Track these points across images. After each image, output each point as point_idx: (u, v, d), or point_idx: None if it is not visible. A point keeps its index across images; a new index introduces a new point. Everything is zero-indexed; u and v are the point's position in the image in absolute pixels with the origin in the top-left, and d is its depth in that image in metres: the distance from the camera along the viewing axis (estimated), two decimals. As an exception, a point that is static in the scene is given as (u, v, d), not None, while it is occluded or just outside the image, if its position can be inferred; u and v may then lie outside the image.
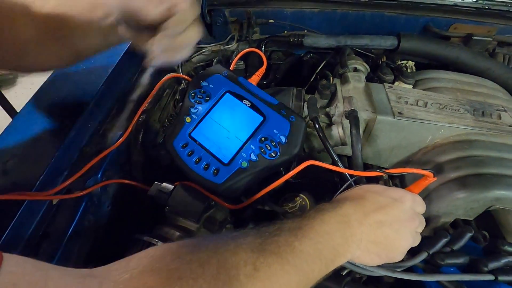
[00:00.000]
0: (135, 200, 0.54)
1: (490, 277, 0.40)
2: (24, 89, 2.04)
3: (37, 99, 0.54)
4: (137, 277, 0.25)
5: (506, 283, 0.40)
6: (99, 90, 0.56)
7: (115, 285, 0.24)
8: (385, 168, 0.59)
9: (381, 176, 0.55)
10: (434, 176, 0.42)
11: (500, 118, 0.57)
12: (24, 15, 0.35)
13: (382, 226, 0.38)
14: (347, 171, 0.45)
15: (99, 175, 0.49)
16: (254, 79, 0.57)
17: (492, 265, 0.40)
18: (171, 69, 0.71)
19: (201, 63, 0.82)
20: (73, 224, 0.45)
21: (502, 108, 0.59)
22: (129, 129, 0.54)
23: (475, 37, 0.75)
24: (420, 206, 0.43)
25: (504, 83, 0.70)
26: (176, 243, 0.30)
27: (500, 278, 0.40)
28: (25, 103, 0.54)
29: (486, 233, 0.52)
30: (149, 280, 0.25)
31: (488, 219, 0.57)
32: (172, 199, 0.47)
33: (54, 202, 0.45)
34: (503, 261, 0.41)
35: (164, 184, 0.50)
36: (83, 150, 0.51)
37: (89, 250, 0.49)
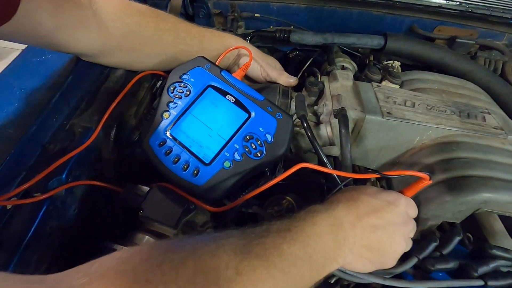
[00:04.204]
0: (106, 203, 0.49)
1: (480, 283, 0.39)
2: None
3: (-7, 89, 0.48)
4: (97, 281, 0.21)
5: (495, 288, 0.40)
6: (67, 80, 0.50)
7: None
8: (380, 170, 0.57)
9: (368, 178, 0.53)
10: (430, 179, 0.40)
11: (484, 120, 0.57)
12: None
13: (376, 230, 0.36)
14: (342, 174, 0.43)
15: (63, 176, 0.44)
16: (239, 74, 0.54)
17: (482, 269, 0.40)
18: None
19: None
20: (31, 231, 0.40)
21: (486, 110, 0.59)
22: (100, 124, 0.49)
23: (458, 40, 0.75)
24: (413, 210, 0.41)
25: (485, 85, 0.71)
26: (148, 244, 0.27)
27: (490, 283, 0.39)
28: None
29: (470, 236, 0.52)
30: (110, 284, 0.21)
31: (471, 222, 0.57)
32: (147, 202, 0.42)
33: (9, 207, 0.39)
34: (492, 265, 0.40)
35: (139, 185, 0.46)
36: (45, 148, 0.46)
37: (52, 260, 0.43)
